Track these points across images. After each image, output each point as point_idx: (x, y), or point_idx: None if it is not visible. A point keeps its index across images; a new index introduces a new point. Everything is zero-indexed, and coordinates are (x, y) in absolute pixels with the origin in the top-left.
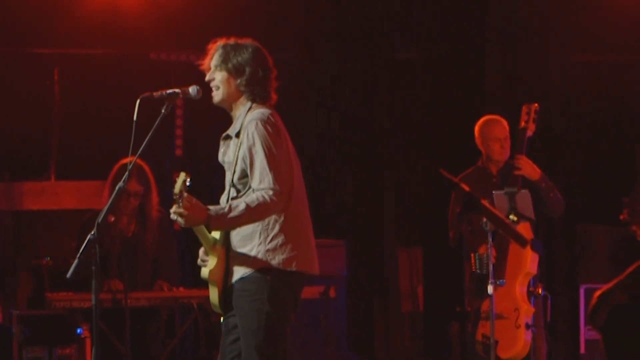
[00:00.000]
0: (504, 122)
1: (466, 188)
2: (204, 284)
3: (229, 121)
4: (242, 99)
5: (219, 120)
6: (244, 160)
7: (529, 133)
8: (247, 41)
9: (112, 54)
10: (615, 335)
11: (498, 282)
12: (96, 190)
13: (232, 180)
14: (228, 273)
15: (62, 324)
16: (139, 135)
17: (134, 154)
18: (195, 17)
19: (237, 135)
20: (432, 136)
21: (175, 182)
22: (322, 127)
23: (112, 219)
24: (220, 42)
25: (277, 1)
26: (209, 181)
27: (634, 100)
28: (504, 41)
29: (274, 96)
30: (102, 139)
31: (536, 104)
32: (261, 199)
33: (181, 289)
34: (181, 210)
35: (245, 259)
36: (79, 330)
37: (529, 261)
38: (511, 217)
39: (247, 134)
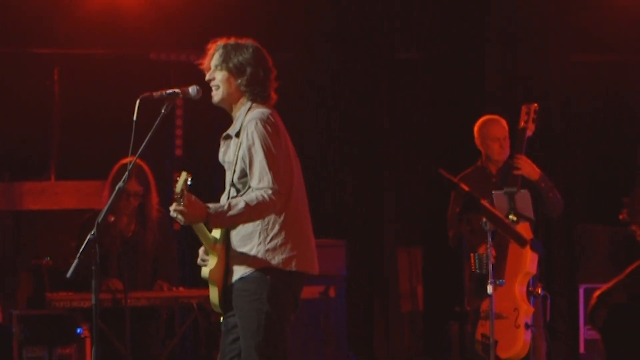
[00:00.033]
0: (503, 122)
1: (466, 188)
2: (203, 283)
3: (228, 121)
4: (243, 99)
5: (218, 120)
6: (243, 159)
7: (529, 133)
8: (247, 41)
9: (112, 54)
10: (615, 335)
11: (497, 282)
12: (96, 190)
13: (232, 180)
14: (228, 272)
15: (62, 323)
16: (139, 135)
17: (133, 154)
18: (195, 17)
19: (237, 135)
20: (432, 136)
21: (176, 182)
22: (322, 127)
23: (112, 218)
24: (221, 42)
25: (277, 1)
26: (209, 181)
27: (634, 100)
28: (504, 41)
29: (274, 96)
30: (102, 139)
31: (535, 104)
32: (260, 197)
33: (181, 288)
34: (181, 207)
35: (245, 259)
36: (78, 330)
37: (529, 261)
38: (510, 217)
39: (247, 134)
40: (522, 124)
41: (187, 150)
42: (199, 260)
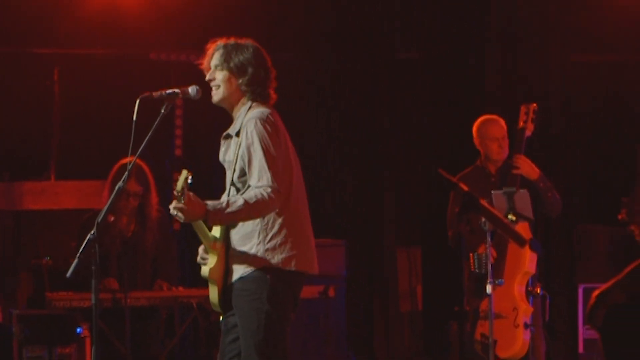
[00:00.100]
0: (502, 122)
1: (465, 188)
2: (203, 283)
3: (228, 121)
4: (243, 99)
5: (218, 120)
6: (242, 158)
7: (528, 133)
8: (247, 41)
9: (112, 54)
10: (614, 334)
11: (497, 282)
12: (96, 190)
13: (232, 179)
14: (228, 272)
15: (62, 323)
16: (138, 135)
17: (133, 154)
18: (195, 17)
19: (237, 134)
20: (432, 136)
21: (176, 181)
22: (322, 127)
23: (112, 218)
24: (220, 42)
25: (277, 1)
26: (209, 181)
27: (634, 100)
28: (504, 41)
29: (273, 96)
30: (102, 139)
31: (535, 104)
32: (259, 196)
33: (180, 288)
34: (181, 205)
35: (244, 258)
36: (78, 330)
37: (528, 261)
38: (510, 216)
39: (246, 133)
40: (521, 123)
41: (186, 150)
42: (198, 259)
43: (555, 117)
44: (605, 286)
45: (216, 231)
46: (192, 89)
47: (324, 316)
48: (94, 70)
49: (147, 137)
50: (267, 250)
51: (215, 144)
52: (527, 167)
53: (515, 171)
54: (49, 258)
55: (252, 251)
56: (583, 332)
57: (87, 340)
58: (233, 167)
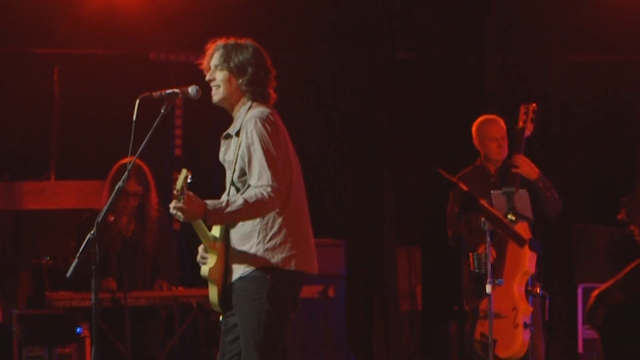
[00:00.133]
0: (501, 122)
1: (464, 188)
2: (203, 283)
3: (228, 121)
4: (243, 99)
5: (218, 120)
6: (242, 158)
7: (527, 133)
8: (246, 41)
9: (112, 54)
10: (613, 334)
11: (496, 282)
12: (96, 190)
13: (232, 179)
14: (227, 271)
15: (61, 323)
16: (138, 135)
17: (133, 154)
18: (195, 17)
19: (238, 134)
20: (432, 136)
21: (176, 181)
22: (322, 127)
23: (112, 218)
24: (220, 42)
25: (277, 1)
26: (209, 181)
27: (633, 100)
28: (504, 41)
29: (273, 95)
30: (102, 139)
31: (534, 104)
32: (259, 195)
33: (180, 288)
34: (181, 204)
35: (244, 258)
36: (78, 330)
37: (527, 260)
38: (509, 216)
39: (246, 132)
40: (520, 124)
41: (186, 150)
42: (198, 258)
43: (555, 117)
44: (604, 286)
45: (216, 231)
46: (191, 89)
47: (323, 316)
48: (94, 70)
49: (147, 137)
50: (266, 249)
51: (215, 144)
52: (526, 167)
53: (514, 170)
54: (49, 258)
55: (252, 251)
56: (582, 331)
57: (87, 340)
58: (233, 166)
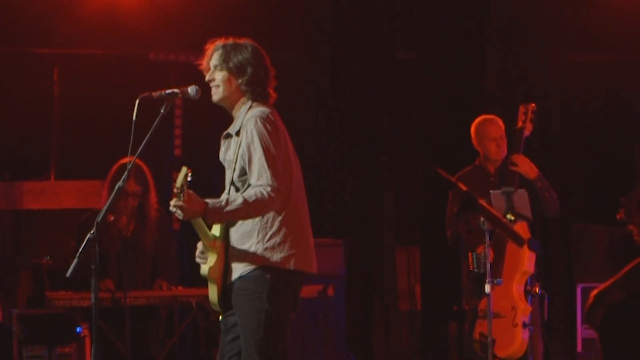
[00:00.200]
0: (500, 122)
1: (464, 187)
2: (202, 283)
3: (228, 121)
4: (243, 99)
5: (218, 120)
6: (242, 157)
7: (526, 133)
8: (245, 41)
9: (112, 54)
10: (612, 334)
11: (495, 281)
12: (96, 190)
13: (232, 178)
14: (227, 270)
15: (61, 322)
16: (138, 135)
17: (133, 153)
18: (195, 17)
19: (238, 133)
20: (432, 136)
21: (176, 180)
22: (322, 127)
23: (112, 218)
24: (219, 42)
25: (277, 1)
26: (209, 181)
27: (633, 100)
28: (504, 41)
29: (273, 94)
30: (101, 139)
31: (533, 104)
32: (259, 194)
33: (180, 287)
34: (180, 203)
35: (244, 256)
36: (78, 329)
37: (526, 260)
38: (508, 216)
39: (246, 132)
40: (519, 124)
41: (186, 150)
42: (197, 253)
43: (555, 117)
44: (603, 286)
45: (216, 230)
46: (191, 89)
47: (323, 315)
48: (94, 70)
49: (147, 137)
50: (266, 249)
51: (215, 143)
52: (525, 166)
53: (513, 168)
54: (48, 258)
55: (252, 250)
56: (581, 331)
57: (87, 340)
58: (233, 166)
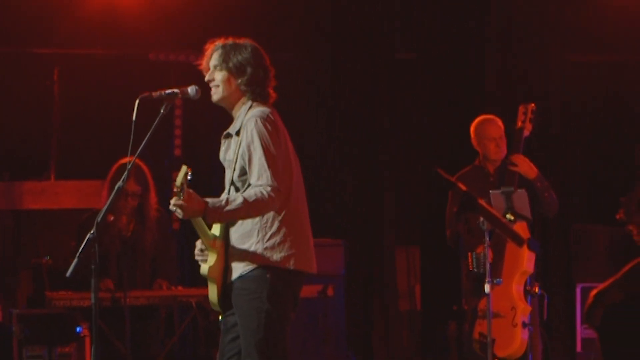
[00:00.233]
0: (499, 121)
1: (463, 187)
2: (202, 282)
3: (228, 121)
4: (243, 99)
5: (218, 120)
6: (242, 157)
7: (526, 133)
8: (245, 41)
9: (112, 54)
10: (611, 333)
11: (495, 281)
12: (96, 190)
13: (232, 178)
14: (227, 270)
15: (61, 322)
16: (138, 135)
17: (132, 153)
18: (195, 17)
19: (238, 133)
20: (432, 136)
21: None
22: (322, 127)
23: (111, 218)
24: (219, 42)
25: (277, 1)
26: (208, 181)
27: (633, 100)
28: (504, 41)
29: (272, 94)
30: (101, 139)
31: (533, 104)
32: (259, 194)
33: (180, 287)
34: (180, 202)
35: (244, 256)
36: (78, 329)
37: (526, 260)
38: (508, 216)
39: (246, 131)
40: (519, 124)
41: (186, 150)
42: (196, 251)
43: (555, 117)
44: (603, 285)
45: (216, 229)
46: (191, 89)
47: (322, 315)
48: (94, 70)
49: (147, 137)
50: (265, 248)
51: (215, 143)
52: (525, 166)
53: (513, 168)
54: (48, 258)
55: (252, 249)
56: (581, 331)
57: (87, 340)
58: (233, 166)
